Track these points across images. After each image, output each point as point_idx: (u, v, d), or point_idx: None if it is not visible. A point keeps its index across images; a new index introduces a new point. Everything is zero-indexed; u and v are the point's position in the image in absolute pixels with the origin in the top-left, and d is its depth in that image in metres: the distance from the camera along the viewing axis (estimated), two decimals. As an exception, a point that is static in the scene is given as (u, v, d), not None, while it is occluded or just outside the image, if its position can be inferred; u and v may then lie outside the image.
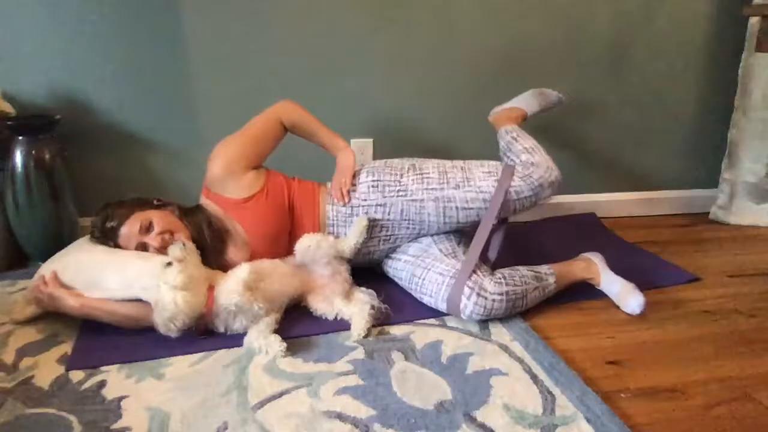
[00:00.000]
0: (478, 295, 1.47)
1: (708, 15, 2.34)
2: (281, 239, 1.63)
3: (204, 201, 1.65)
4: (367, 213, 1.64)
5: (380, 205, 1.64)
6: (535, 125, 1.99)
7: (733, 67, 2.32)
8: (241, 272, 1.40)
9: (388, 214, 1.64)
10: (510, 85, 2.10)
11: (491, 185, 1.62)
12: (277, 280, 1.49)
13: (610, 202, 2.48)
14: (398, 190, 1.63)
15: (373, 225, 1.65)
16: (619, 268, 1.69)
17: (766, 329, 1.53)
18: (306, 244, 1.56)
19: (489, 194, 1.62)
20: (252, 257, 1.58)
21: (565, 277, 1.65)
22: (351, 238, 1.59)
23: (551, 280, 1.60)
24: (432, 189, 1.62)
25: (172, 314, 1.30)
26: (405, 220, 1.65)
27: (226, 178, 1.59)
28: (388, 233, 1.67)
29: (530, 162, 1.68)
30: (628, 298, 1.58)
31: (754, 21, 2.21)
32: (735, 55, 2.31)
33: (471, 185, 1.62)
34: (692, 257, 2.02)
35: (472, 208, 1.63)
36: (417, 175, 1.65)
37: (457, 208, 1.63)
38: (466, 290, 1.47)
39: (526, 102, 1.96)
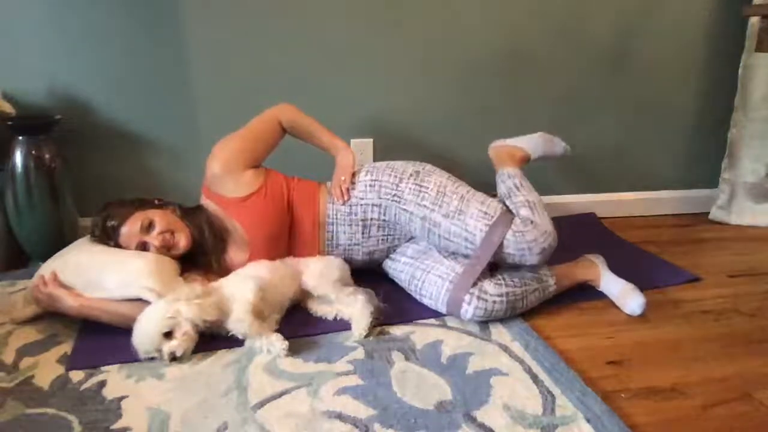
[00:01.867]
0: (479, 297, 1.47)
1: (708, 15, 2.33)
2: (281, 238, 1.63)
3: (204, 201, 1.65)
4: (365, 211, 1.64)
5: (376, 206, 1.63)
6: (535, 125, 1.98)
7: (733, 67, 2.32)
8: (247, 294, 1.38)
9: (384, 215, 1.64)
10: (510, 85, 2.10)
11: (480, 228, 1.52)
12: (277, 284, 1.49)
13: (610, 202, 2.48)
14: (393, 195, 1.62)
15: (370, 224, 1.65)
16: (618, 268, 1.69)
17: (766, 329, 1.53)
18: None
19: (472, 236, 1.52)
20: (251, 257, 1.58)
21: (566, 278, 1.65)
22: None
23: (551, 281, 1.60)
24: (423, 206, 1.57)
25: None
26: (398, 223, 1.64)
27: (225, 177, 1.59)
28: (386, 233, 1.66)
29: (530, 220, 1.54)
30: (629, 298, 1.58)
31: (754, 21, 2.21)
32: (735, 55, 2.31)
33: (460, 220, 1.53)
34: (692, 257, 2.02)
35: (452, 242, 1.56)
36: (415, 185, 1.60)
37: (439, 235, 1.57)
38: (467, 295, 1.47)
39: (532, 144, 1.82)
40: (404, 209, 1.60)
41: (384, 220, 1.64)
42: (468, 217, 1.54)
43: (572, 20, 2.24)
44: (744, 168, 2.35)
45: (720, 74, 2.40)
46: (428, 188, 1.59)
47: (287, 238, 1.64)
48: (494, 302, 1.47)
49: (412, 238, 1.68)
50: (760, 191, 2.35)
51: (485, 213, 1.54)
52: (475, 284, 1.48)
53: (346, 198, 1.64)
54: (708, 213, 2.48)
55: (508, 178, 1.67)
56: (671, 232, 2.33)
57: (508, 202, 1.63)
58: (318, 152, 1.76)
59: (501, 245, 1.50)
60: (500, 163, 1.76)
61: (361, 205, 1.64)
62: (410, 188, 1.60)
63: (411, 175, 1.62)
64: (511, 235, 1.50)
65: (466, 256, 1.56)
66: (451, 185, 1.60)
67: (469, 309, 1.47)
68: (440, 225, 1.56)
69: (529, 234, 1.51)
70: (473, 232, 1.52)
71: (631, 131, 2.43)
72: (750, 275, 1.88)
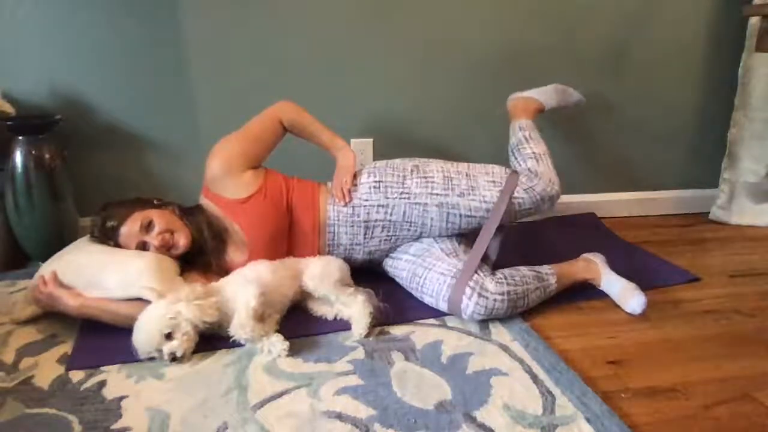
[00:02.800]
0: (480, 295, 1.47)
1: (708, 15, 2.34)
2: (280, 239, 1.63)
3: (203, 201, 1.65)
4: (368, 213, 1.64)
5: (382, 206, 1.63)
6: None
7: (733, 67, 2.32)
8: (249, 299, 1.37)
9: (390, 215, 1.64)
10: (510, 84, 2.10)
11: (495, 195, 1.62)
12: (278, 286, 1.49)
13: (610, 202, 2.49)
14: (401, 193, 1.63)
15: (374, 225, 1.65)
16: (619, 268, 1.69)
17: (766, 329, 1.53)
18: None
19: (492, 204, 1.62)
20: (250, 257, 1.58)
21: (566, 277, 1.65)
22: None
23: (552, 280, 1.60)
24: (436, 194, 1.62)
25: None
26: (407, 222, 1.64)
27: (225, 178, 1.59)
28: (389, 234, 1.66)
29: (534, 171, 1.70)
30: (629, 298, 1.58)
31: (754, 21, 2.21)
32: (735, 55, 2.31)
33: (476, 194, 1.62)
34: (692, 257, 2.02)
35: (475, 216, 1.63)
36: (421, 178, 1.64)
37: (460, 215, 1.63)
38: (468, 290, 1.47)
39: (546, 95, 1.96)
40: (416, 203, 1.62)
41: (389, 221, 1.64)
42: (481, 189, 1.63)
43: (572, 20, 2.24)
44: (744, 168, 2.35)
45: (720, 74, 2.40)
46: (433, 177, 1.64)
47: (286, 238, 1.64)
48: (495, 300, 1.47)
49: (414, 240, 1.68)
50: (760, 191, 2.35)
51: (493, 181, 1.64)
52: (475, 277, 1.48)
53: (348, 199, 1.64)
54: (708, 213, 2.48)
55: (519, 131, 1.82)
56: (671, 232, 2.33)
57: (516, 154, 1.79)
58: (318, 152, 1.76)
59: (516, 204, 1.63)
60: (515, 114, 1.90)
61: (365, 206, 1.64)
62: (416, 182, 1.62)
63: (412, 170, 1.65)
64: (524, 192, 1.64)
65: None
66: (452, 168, 1.67)
67: (469, 304, 1.47)
68: (459, 205, 1.62)
69: (538, 186, 1.66)
70: (491, 201, 1.62)
71: (631, 131, 2.43)
72: (750, 275, 1.88)
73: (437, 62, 2.19)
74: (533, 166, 1.72)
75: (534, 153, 1.76)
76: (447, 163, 1.69)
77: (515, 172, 1.69)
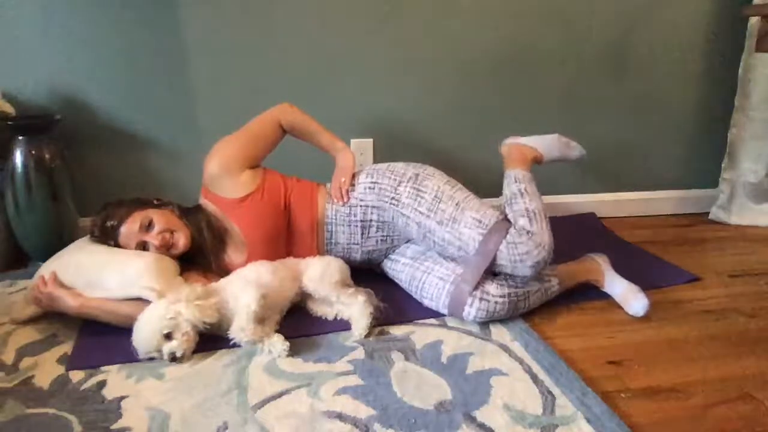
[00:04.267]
0: (481, 299, 1.47)
1: (708, 15, 2.34)
2: (278, 239, 1.63)
3: (203, 201, 1.65)
4: (364, 213, 1.64)
5: (375, 207, 1.63)
6: (535, 125, 1.98)
7: (733, 67, 2.32)
8: (250, 302, 1.37)
9: (383, 217, 1.64)
10: (510, 85, 2.10)
11: (473, 236, 1.50)
12: (278, 287, 1.49)
13: (610, 202, 2.49)
14: (392, 198, 1.61)
15: (370, 225, 1.65)
16: (619, 268, 1.69)
17: (766, 329, 1.53)
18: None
19: (465, 244, 1.51)
20: (249, 258, 1.58)
21: (569, 278, 1.64)
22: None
23: (554, 281, 1.59)
24: (420, 212, 1.57)
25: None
26: (396, 225, 1.64)
27: (223, 177, 1.59)
28: (385, 234, 1.66)
29: (525, 230, 1.51)
30: (632, 299, 1.58)
31: (754, 21, 2.21)
32: (735, 55, 2.31)
33: (454, 228, 1.52)
34: (692, 257, 2.02)
35: (446, 248, 1.56)
36: (413, 189, 1.59)
37: (434, 242, 1.57)
38: (469, 298, 1.47)
39: (547, 146, 1.79)
40: (402, 213, 1.60)
41: (383, 222, 1.64)
42: (461, 225, 1.52)
43: (572, 20, 2.24)
44: (744, 168, 2.35)
45: (720, 74, 2.40)
46: (425, 193, 1.58)
47: (285, 238, 1.64)
48: (496, 303, 1.47)
49: (410, 240, 1.68)
50: (760, 191, 2.35)
51: (479, 222, 1.52)
52: (477, 287, 1.48)
53: (345, 200, 1.64)
54: (708, 213, 2.48)
55: (514, 182, 1.64)
56: (671, 232, 2.33)
57: (508, 208, 1.61)
58: (317, 152, 1.75)
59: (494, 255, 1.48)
60: (510, 163, 1.72)
61: (361, 206, 1.64)
62: (408, 192, 1.59)
63: (410, 178, 1.61)
64: (504, 246, 1.48)
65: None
66: (449, 190, 1.58)
67: (471, 311, 1.47)
68: (435, 232, 1.55)
69: (522, 246, 1.48)
70: (466, 241, 1.51)
71: (631, 131, 2.43)
72: (750, 275, 1.88)
73: (437, 62, 2.19)
74: (526, 225, 1.53)
75: (528, 210, 1.56)
76: (447, 184, 1.60)
77: (507, 221, 1.56)
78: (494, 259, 1.49)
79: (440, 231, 1.54)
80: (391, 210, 1.61)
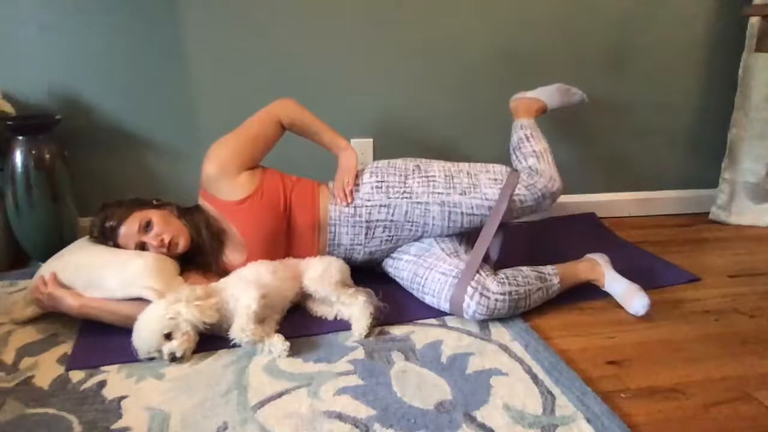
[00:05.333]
0: (481, 295, 1.47)
1: (708, 15, 2.34)
2: (278, 240, 1.62)
3: (202, 202, 1.64)
4: (370, 213, 1.64)
5: (384, 206, 1.63)
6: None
7: (733, 67, 2.32)
8: (250, 303, 1.36)
9: (392, 215, 1.64)
10: (510, 85, 2.10)
11: (497, 193, 1.62)
12: (278, 287, 1.49)
13: (610, 202, 2.49)
14: (403, 192, 1.62)
15: (375, 225, 1.65)
16: (619, 268, 1.69)
17: (766, 329, 1.53)
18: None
19: (494, 202, 1.62)
20: (248, 258, 1.58)
21: (570, 277, 1.64)
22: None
23: (555, 280, 1.60)
24: (438, 193, 1.62)
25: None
26: (408, 221, 1.64)
27: (220, 179, 1.58)
28: (391, 234, 1.66)
29: (535, 169, 1.72)
30: (633, 299, 1.58)
31: (754, 21, 2.21)
32: (735, 55, 2.31)
33: (477, 192, 1.62)
34: (692, 257, 2.02)
35: (476, 215, 1.63)
36: (422, 177, 1.64)
37: (462, 213, 1.62)
38: (469, 290, 1.47)
39: (549, 95, 1.97)
40: (418, 203, 1.61)
41: (391, 221, 1.64)
42: (483, 187, 1.63)
43: (572, 20, 2.24)
44: (744, 168, 2.35)
45: (720, 74, 2.40)
46: (435, 176, 1.64)
47: (285, 239, 1.64)
48: (497, 300, 1.47)
49: (415, 240, 1.68)
50: (760, 191, 2.35)
51: (495, 179, 1.64)
52: (477, 277, 1.48)
53: (349, 200, 1.64)
54: (708, 213, 2.48)
55: (521, 129, 1.84)
56: (671, 232, 2.33)
57: (517, 152, 1.81)
58: (318, 152, 1.75)
59: (518, 202, 1.64)
60: (517, 114, 1.92)
61: (367, 206, 1.64)
62: (418, 182, 1.63)
63: (414, 170, 1.66)
64: (525, 189, 1.65)
65: None
66: (453, 167, 1.68)
67: (471, 304, 1.47)
68: (461, 204, 1.62)
69: (539, 183, 1.68)
70: (493, 198, 1.62)
71: (631, 131, 2.43)
72: (750, 275, 1.88)
73: (437, 62, 2.19)
74: (534, 164, 1.74)
75: (535, 151, 1.77)
76: (448, 163, 1.70)
77: (516, 171, 1.70)
78: (520, 204, 1.65)
79: (466, 200, 1.62)
80: (405, 204, 1.62)
